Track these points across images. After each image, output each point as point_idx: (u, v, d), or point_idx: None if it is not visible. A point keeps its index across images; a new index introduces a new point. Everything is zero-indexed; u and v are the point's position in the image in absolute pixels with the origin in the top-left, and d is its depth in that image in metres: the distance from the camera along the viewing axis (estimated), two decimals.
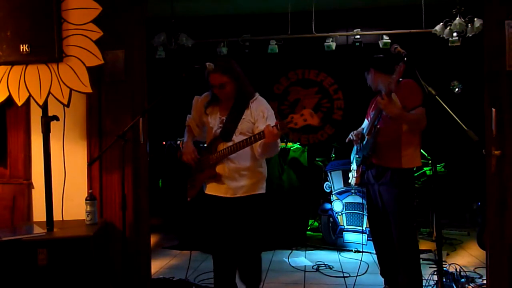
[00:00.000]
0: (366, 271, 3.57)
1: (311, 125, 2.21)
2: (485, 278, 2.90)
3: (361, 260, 3.59)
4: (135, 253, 2.84)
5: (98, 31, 2.43)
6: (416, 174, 4.83)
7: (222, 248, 2.59)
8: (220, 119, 2.59)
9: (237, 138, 2.49)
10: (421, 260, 3.73)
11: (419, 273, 2.76)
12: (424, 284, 3.04)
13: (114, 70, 2.82)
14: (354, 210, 4.21)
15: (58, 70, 2.44)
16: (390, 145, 2.73)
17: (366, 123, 3.06)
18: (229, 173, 2.52)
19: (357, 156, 2.97)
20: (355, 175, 2.96)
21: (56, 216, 2.65)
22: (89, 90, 2.45)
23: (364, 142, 2.88)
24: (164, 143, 4.71)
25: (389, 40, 5.19)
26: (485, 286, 2.93)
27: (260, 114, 2.48)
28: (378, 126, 2.76)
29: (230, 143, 2.48)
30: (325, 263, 3.77)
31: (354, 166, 3.00)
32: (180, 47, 5.51)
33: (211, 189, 2.60)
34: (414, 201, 2.82)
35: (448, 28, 4.93)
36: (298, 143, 5.12)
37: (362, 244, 4.14)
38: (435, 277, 3.00)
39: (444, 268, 3.27)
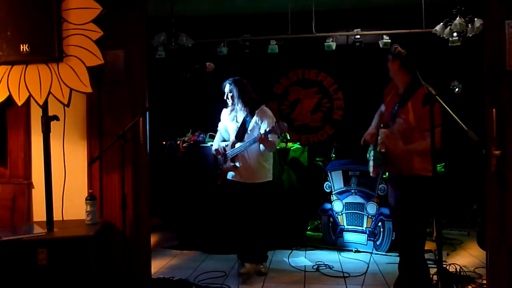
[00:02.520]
0: (366, 271, 3.57)
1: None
2: (485, 278, 2.90)
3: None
4: (135, 253, 2.84)
5: (98, 31, 2.43)
6: None
7: (238, 217, 3.56)
8: (237, 124, 3.48)
9: (247, 138, 3.39)
10: None
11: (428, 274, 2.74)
12: None
13: (114, 70, 2.82)
14: (354, 210, 4.21)
15: (58, 70, 2.44)
16: (399, 158, 2.66)
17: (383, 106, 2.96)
18: (242, 165, 3.42)
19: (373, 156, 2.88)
20: (372, 169, 2.90)
21: (56, 216, 2.65)
22: (89, 90, 2.45)
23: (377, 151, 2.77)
24: (164, 143, 4.71)
25: (389, 40, 5.19)
26: (485, 286, 2.93)
27: (261, 122, 3.38)
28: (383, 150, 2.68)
29: (241, 143, 3.42)
30: (325, 263, 3.77)
31: (371, 161, 2.96)
32: (180, 47, 5.50)
33: (232, 176, 3.50)
34: (426, 206, 2.67)
35: (448, 28, 4.93)
36: (298, 143, 5.11)
37: (361, 244, 4.15)
38: (435, 277, 3.00)
39: (444, 268, 3.27)
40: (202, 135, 4.53)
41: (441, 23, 4.97)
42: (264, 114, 3.40)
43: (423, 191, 2.61)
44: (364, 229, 4.15)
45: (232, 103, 3.48)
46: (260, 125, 3.36)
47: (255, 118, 3.40)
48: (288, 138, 5.09)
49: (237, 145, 3.44)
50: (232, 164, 3.46)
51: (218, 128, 3.70)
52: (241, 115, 3.48)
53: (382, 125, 2.83)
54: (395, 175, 2.77)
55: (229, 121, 3.56)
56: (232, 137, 3.52)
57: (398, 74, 2.73)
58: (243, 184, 3.45)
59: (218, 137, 3.69)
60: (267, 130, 3.16)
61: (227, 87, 3.48)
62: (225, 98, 3.51)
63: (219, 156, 3.57)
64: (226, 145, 3.57)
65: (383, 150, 2.68)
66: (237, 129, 3.47)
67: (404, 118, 2.61)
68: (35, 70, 2.46)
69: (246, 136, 3.41)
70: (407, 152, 2.61)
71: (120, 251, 2.67)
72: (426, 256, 3.84)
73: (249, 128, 3.41)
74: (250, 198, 3.45)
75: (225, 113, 3.63)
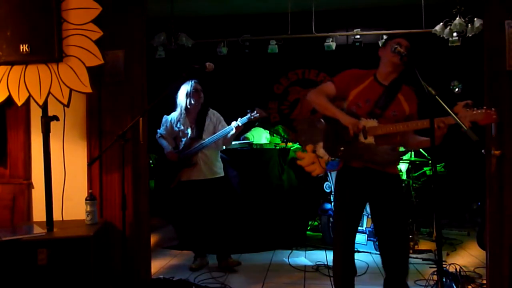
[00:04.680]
0: (366, 271, 3.57)
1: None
2: (485, 278, 2.90)
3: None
4: (135, 253, 2.84)
5: (98, 31, 2.43)
6: (416, 174, 4.83)
7: (195, 216, 3.68)
8: (191, 125, 3.62)
9: (204, 136, 3.58)
10: (421, 260, 3.79)
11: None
12: (424, 284, 3.04)
13: (114, 70, 2.82)
14: None
15: (58, 70, 2.44)
16: (389, 151, 2.49)
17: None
18: (203, 161, 3.58)
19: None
20: (323, 166, 2.72)
21: (56, 216, 2.65)
22: (89, 90, 2.44)
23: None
24: None
25: None
26: (485, 286, 2.93)
27: (215, 119, 3.67)
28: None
29: (200, 141, 3.57)
30: (325, 263, 3.77)
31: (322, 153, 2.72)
32: (180, 47, 5.51)
33: (189, 176, 3.59)
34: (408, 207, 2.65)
35: (448, 28, 4.93)
36: (298, 143, 5.11)
37: (361, 244, 4.14)
38: (435, 277, 3.00)
39: (444, 268, 3.27)
40: None
41: (441, 23, 4.98)
42: (216, 114, 3.71)
43: (401, 190, 2.56)
44: (364, 229, 4.15)
45: (196, 101, 3.58)
46: (215, 123, 3.63)
47: (208, 118, 3.64)
48: (284, 135, 5.10)
49: (196, 143, 3.57)
50: (192, 162, 3.56)
51: (163, 135, 3.72)
52: (191, 116, 3.64)
53: (359, 114, 2.59)
54: (361, 166, 2.61)
55: (180, 124, 3.64)
56: (191, 136, 3.60)
57: (388, 64, 2.61)
58: (202, 181, 3.57)
59: (166, 142, 3.70)
60: (245, 119, 3.43)
61: (198, 86, 3.61)
62: (191, 96, 3.57)
63: (173, 159, 3.62)
64: (180, 148, 3.64)
65: (373, 142, 2.52)
66: (193, 130, 3.61)
67: (398, 109, 2.50)
68: (35, 70, 2.46)
69: (203, 134, 3.58)
70: (401, 137, 2.49)
71: (120, 251, 2.66)
72: (426, 256, 3.89)
73: (204, 127, 3.61)
74: (211, 193, 3.60)
75: (171, 119, 3.69)
